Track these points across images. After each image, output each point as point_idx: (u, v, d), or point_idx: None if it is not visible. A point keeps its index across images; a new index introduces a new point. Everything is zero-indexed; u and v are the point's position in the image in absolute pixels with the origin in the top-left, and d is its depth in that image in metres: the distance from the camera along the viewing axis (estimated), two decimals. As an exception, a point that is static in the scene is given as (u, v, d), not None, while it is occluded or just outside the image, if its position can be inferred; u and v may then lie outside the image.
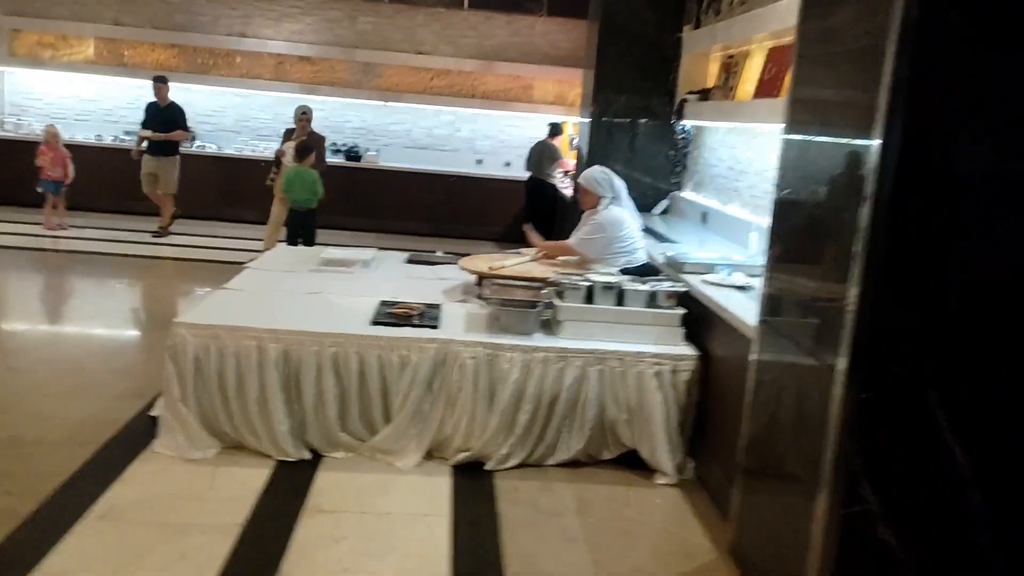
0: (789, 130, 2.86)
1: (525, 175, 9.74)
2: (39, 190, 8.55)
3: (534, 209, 9.34)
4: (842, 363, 2.32)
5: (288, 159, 7.34)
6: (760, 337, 2.99)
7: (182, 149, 9.62)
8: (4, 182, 9.46)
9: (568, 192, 8.86)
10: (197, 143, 10.23)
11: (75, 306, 6.48)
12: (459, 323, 3.99)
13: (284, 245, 5.92)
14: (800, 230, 2.73)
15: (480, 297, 4.45)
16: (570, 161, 9.92)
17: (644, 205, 7.05)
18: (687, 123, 6.42)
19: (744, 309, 3.50)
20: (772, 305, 2.93)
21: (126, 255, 7.97)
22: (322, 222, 7.71)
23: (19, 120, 10.12)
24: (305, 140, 7.34)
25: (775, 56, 5.03)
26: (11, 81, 10.33)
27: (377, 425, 3.78)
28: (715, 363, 3.75)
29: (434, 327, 3.88)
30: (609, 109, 7.04)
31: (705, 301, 3.83)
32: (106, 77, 10.12)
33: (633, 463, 3.84)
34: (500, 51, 10.71)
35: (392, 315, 3.97)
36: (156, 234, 8.73)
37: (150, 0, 10.18)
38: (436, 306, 4.22)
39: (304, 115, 7.64)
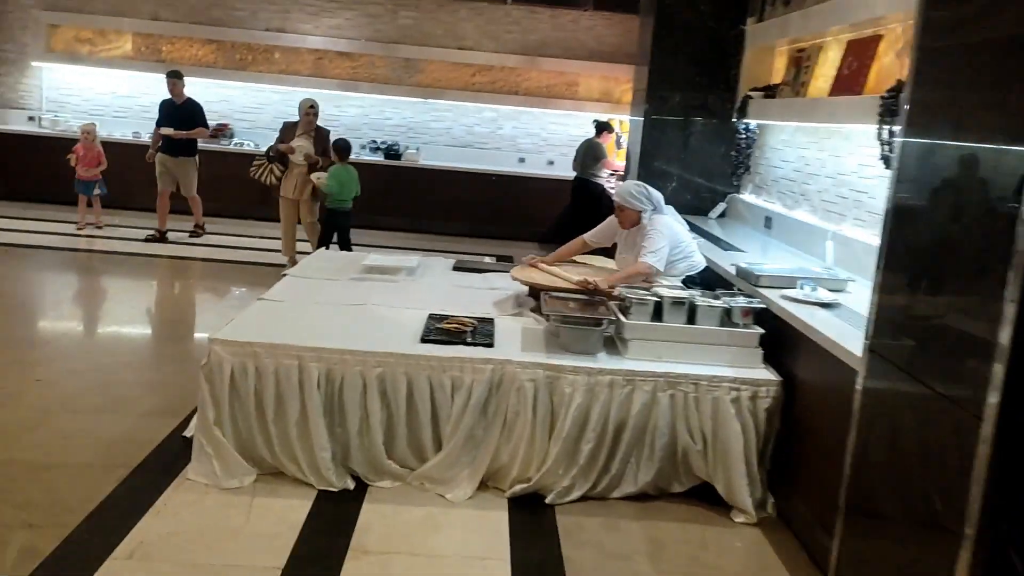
0: (909, 133, 2.48)
1: (570, 174, 9.39)
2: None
3: (578, 211, 8.98)
4: (993, 398, 1.96)
5: (299, 157, 7.01)
6: (869, 364, 2.62)
7: (210, 146, 9.42)
8: (41, 180, 9.34)
9: (611, 192, 8.51)
10: (235, 140, 10.03)
11: (107, 311, 6.27)
12: (515, 341, 3.67)
13: (323, 250, 5.63)
14: (926, 247, 2.36)
15: (535, 311, 4.13)
16: (617, 161, 9.56)
17: (699, 208, 6.69)
18: (750, 122, 6.02)
19: (836, 330, 3.14)
20: (886, 329, 2.55)
21: (161, 256, 7.76)
22: (360, 222, 7.45)
23: (56, 116, 9.99)
24: (342, 138, 7.06)
25: (856, 49, 4.62)
26: (49, 77, 10.21)
27: (426, 452, 3.47)
28: (801, 389, 3.38)
29: (489, 345, 3.56)
30: (663, 107, 6.67)
31: (789, 320, 3.46)
32: (144, 73, 9.93)
33: (705, 496, 3.49)
34: (544, 46, 10.36)
35: (443, 331, 3.65)
36: (193, 234, 8.50)
37: (188, -6, 10.01)
38: (489, 321, 3.90)
39: (311, 109, 7.18)
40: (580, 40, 10.39)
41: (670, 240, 4.17)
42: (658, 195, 4.30)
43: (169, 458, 3.55)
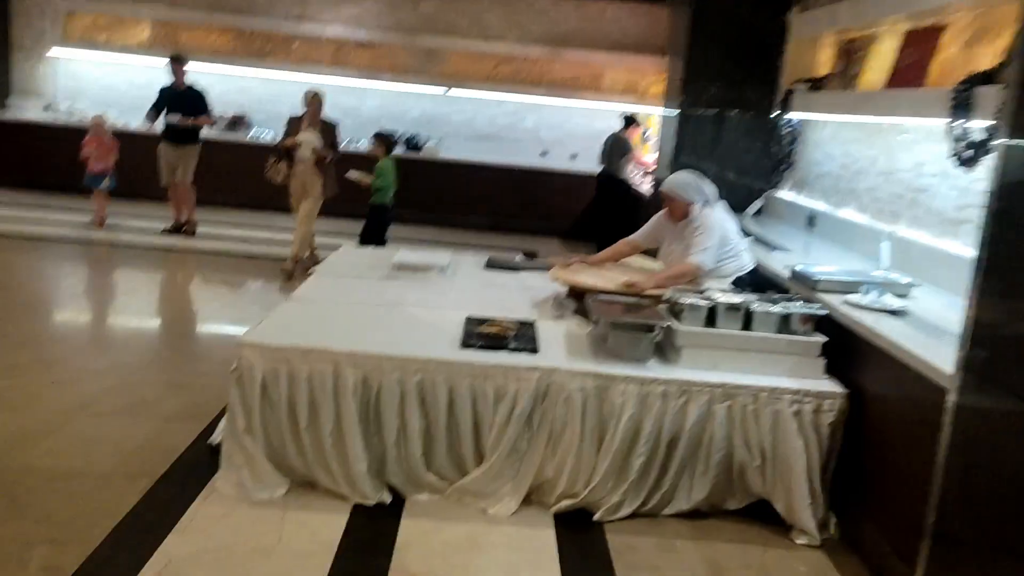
0: (1014, 134, 2.25)
1: (593, 169, 9.19)
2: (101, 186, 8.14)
3: (603, 207, 8.76)
4: None
5: (306, 151, 6.69)
6: (963, 381, 2.40)
7: (226, 137, 9.24)
8: (56, 169, 9.16)
9: (643, 189, 8.28)
10: (253, 131, 9.84)
11: (123, 306, 6.08)
12: (560, 346, 3.46)
13: (351, 246, 5.43)
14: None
15: (577, 313, 3.92)
16: (643, 155, 9.33)
17: (734, 206, 6.37)
18: (794, 116, 5.78)
19: (914, 341, 2.92)
20: (984, 344, 2.33)
21: (178, 250, 7.59)
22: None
23: (72, 106, 9.82)
24: (387, 131, 6.85)
25: (915, 40, 4.38)
26: (65, 65, 10.03)
27: (467, 464, 3.28)
28: (871, 404, 3.16)
29: (533, 351, 3.35)
30: (698, 100, 6.47)
31: (855, 328, 3.25)
32: (161, 61, 9.72)
33: (761, 514, 3.29)
34: (569, 37, 10.13)
35: (483, 336, 3.45)
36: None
37: (207, -19, 9.82)
38: (530, 324, 3.69)
39: (315, 98, 6.85)
40: (605, 31, 10.16)
41: (720, 237, 3.96)
42: (710, 187, 4.09)
43: (195, 466, 3.37)
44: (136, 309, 5.95)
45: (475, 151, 10.20)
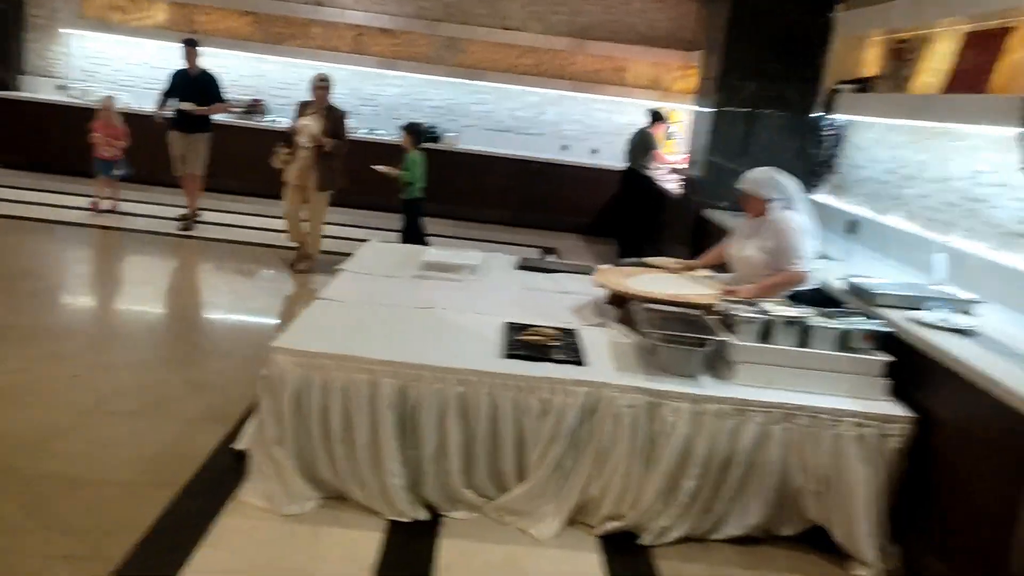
0: None
1: (615, 164, 8.99)
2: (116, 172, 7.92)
3: (626, 203, 8.56)
4: None
5: (304, 139, 6.28)
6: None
7: (242, 122, 9.02)
8: (70, 150, 8.93)
9: (668, 187, 8.08)
10: (269, 118, 9.64)
11: (138, 297, 5.89)
12: (605, 358, 3.29)
13: (377, 242, 5.23)
14: None
15: (621, 321, 3.74)
16: (667, 152, 9.13)
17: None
18: (838, 117, 5.58)
19: (991, 364, 2.74)
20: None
21: (192, 237, 7.40)
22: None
23: (87, 86, 9.62)
24: (415, 122, 6.62)
25: (976, 43, 4.18)
26: (79, 44, 9.83)
27: (508, 482, 3.10)
28: (942, 430, 2.97)
29: (579, 363, 3.17)
30: (733, 97, 6.25)
31: (924, 348, 3.06)
32: (178, 44, 9.52)
33: (817, 542, 3.11)
34: (592, 29, 9.90)
35: (525, 344, 3.27)
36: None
37: (225, -37, 9.60)
38: (571, 332, 3.52)
39: (322, 82, 6.35)
40: (630, 24, 9.93)
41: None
42: (791, 185, 3.90)
43: (220, 475, 3.20)
44: (150, 299, 5.77)
45: (494, 143, 9.99)
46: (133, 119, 8.12)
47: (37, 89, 9.65)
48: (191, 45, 7.60)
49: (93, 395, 3.83)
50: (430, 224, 6.87)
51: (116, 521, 2.82)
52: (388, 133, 9.29)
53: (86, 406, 3.70)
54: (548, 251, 8.33)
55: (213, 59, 8.58)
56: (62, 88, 9.66)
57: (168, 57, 9.44)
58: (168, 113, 7.56)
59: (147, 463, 3.25)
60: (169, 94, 7.58)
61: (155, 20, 9.71)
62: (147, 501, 2.96)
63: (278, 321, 5.30)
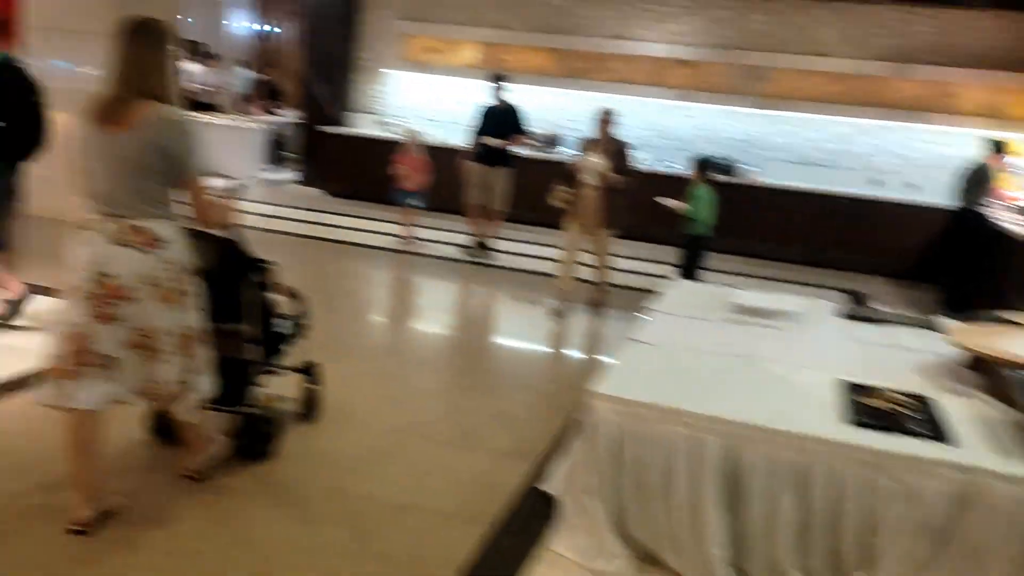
0: None
1: (937, 201, 8.01)
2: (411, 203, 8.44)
3: (959, 245, 7.54)
4: None
5: (589, 176, 6.01)
6: None
7: (533, 154, 9.18)
8: (383, 181, 9.71)
9: (1008, 226, 7.00)
10: (561, 149, 9.82)
11: (442, 322, 6.16)
12: (972, 435, 2.75)
13: (676, 279, 4.99)
14: None
15: (987, 391, 3.15)
16: (1005, 187, 7.96)
17: None
18: None
19: None
20: None
21: (488, 264, 7.66)
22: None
23: (403, 122, 10.45)
24: (706, 156, 6.38)
25: None
26: (396, 83, 10.72)
27: (847, 567, 2.68)
28: None
29: (941, 440, 2.68)
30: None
31: None
32: (483, 81, 10.05)
33: None
34: (916, 52, 8.94)
35: (873, 411, 2.84)
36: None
37: (534, 3, 9.97)
38: (922, 399, 3.01)
39: (607, 116, 6.19)
40: (961, 44, 8.84)
41: None
42: None
43: (527, 515, 3.12)
44: (451, 325, 6.00)
45: (794, 176, 9.35)
46: (438, 153, 8.63)
47: (359, 124, 10.67)
48: (499, 80, 7.93)
49: (408, 419, 3.97)
50: (718, 260, 6.52)
51: (432, 553, 2.83)
52: (678, 165, 9.04)
53: (405, 431, 3.83)
54: (858, 297, 7.55)
55: (516, 94, 8.89)
56: (380, 123, 10.60)
57: (471, 93, 9.98)
58: (472, 147, 7.94)
59: (462, 494, 3.27)
60: (481, 131, 7.94)
61: (465, 59, 10.32)
62: (460, 535, 2.94)
63: (574, 354, 5.24)
